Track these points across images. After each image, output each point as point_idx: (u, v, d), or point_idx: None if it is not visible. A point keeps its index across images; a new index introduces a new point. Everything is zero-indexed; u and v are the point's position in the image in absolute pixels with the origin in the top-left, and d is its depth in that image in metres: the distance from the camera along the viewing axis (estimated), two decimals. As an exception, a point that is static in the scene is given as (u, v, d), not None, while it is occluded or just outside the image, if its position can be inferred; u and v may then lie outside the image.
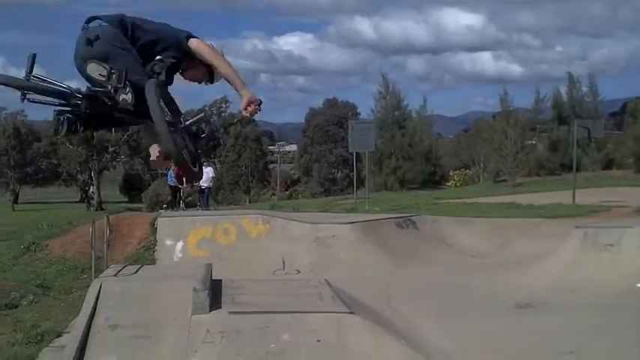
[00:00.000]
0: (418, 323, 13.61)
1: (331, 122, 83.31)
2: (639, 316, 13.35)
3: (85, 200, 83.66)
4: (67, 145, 79.55)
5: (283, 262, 19.47)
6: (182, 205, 26.57)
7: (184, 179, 27.17)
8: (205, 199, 26.70)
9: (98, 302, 11.31)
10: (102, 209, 64.82)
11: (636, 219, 21.25)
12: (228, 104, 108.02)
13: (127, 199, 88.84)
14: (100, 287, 11.58)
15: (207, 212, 23.98)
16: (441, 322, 13.70)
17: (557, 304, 14.72)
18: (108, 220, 17.87)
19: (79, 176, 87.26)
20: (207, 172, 26.66)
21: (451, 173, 58.57)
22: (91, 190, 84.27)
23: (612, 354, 11.16)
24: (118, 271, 13.00)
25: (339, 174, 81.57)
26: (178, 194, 26.66)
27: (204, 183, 26.05)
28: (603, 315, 13.63)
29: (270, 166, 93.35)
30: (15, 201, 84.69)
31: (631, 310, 13.77)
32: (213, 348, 10.66)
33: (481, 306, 15.11)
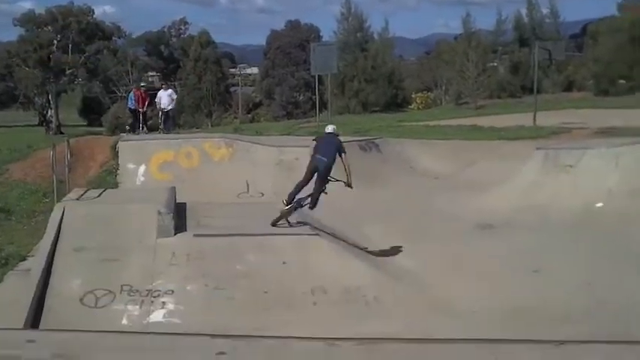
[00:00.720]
0: (382, 244, 13.75)
1: (293, 44, 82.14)
2: (598, 235, 13.68)
3: (44, 124, 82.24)
4: (23, 67, 77.77)
5: (247, 186, 19.39)
6: (144, 128, 26.17)
7: (145, 102, 26.79)
8: (171, 122, 26.28)
9: (62, 226, 11.25)
10: (61, 133, 63.81)
11: (596, 140, 21.52)
12: (187, 25, 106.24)
13: (86, 123, 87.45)
14: (64, 211, 11.50)
15: (169, 136, 23.64)
16: (405, 242, 13.86)
17: (518, 224, 14.96)
18: (68, 143, 17.55)
19: (37, 99, 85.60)
20: (169, 94, 26.23)
21: (413, 96, 58.40)
22: (49, 113, 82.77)
23: (573, 271, 11.43)
24: (81, 195, 12.90)
25: (302, 97, 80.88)
26: (140, 117, 26.22)
27: (166, 106, 25.62)
28: (564, 234, 13.93)
29: (232, 89, 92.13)
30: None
31: (590, 229, 14.09)
32: (179, 270, 10.71)
33: (444, 227, 15.28)
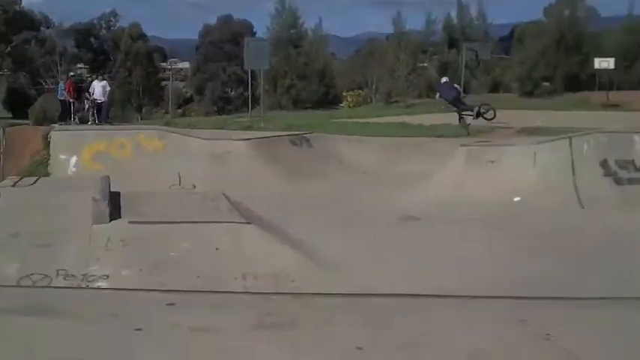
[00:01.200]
0: (309, 234, 14.23)
1: (225, 39, 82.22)
2: (513, 226, 14.50)
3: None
4: (-53, 57, 76.07)
5: (179, 177, 19.67)
6: (75, 119, 26.13)
7: (74, 93, 26.77)
8: (104, 114, 26.30)
9: (-3, 212, 11.41)
10: (-15, 124, 62.58)
11: (517, 138, 22.54)
12: (117, 17, 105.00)
13: (11, 115, 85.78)
14: (-1, 198, 11.66)
15: (101, 127, 23.77)
16: (332, 234, 14.38)
17: (441, 216, 15.67)
18: (4, 132, 17.60)
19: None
20: (103, 85, 26.29)
21: (344, 94, 59.20)
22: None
23: (489, 259, 12.12)
24: (16, 182, 13.04)
25: (233, 93, 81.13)
26: (70, 108, 26.18)
27: (100, 97, 25.66)
28: (483, 226, 14.68)
29: (163, 83, 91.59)
30: None
31: (507, 221, 14.90)
32: (114, 255, 10.97)
33: (370, 219, 15.88)
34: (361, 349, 5.57)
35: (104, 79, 27.40)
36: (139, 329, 5.94)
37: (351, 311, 7.31)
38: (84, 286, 10.28)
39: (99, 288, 10.16)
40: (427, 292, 10.44)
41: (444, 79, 30.29)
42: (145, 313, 6.71)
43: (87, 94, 26.88)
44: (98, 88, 25.86)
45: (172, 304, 6.77)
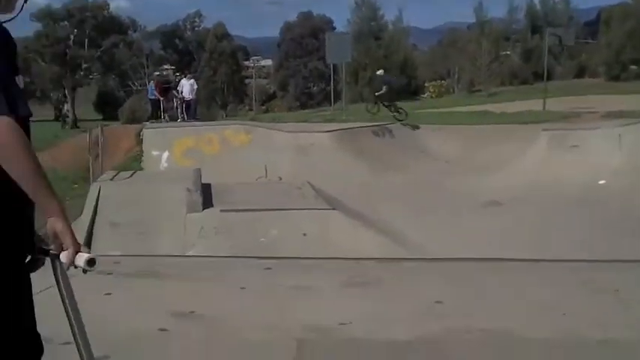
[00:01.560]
0: (394, 222, 14.57)
1: (306, 35, 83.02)
2: (598, 209, 14.48)
3: (60, 118, 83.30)
4: (40, 62, 78.92)
5: (265, 170, 20.22)
6: (166, 117, 27.08)
7: (162, 92, 27.78)
8: (193, 111, 27.13)
9: (98, 203, 12.18)
10: (77, 127, 64.83)
11: (602, 122, 22.24)
12: (201, 18, 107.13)
13: (101, 117, 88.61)
14: (99, 190, 12.43)
15: (190, 123, 24.59)
16: (415, 220, 14.68)
17: (524, 200, 15.77)
18: (102, 130, 18.55)
19: (53, 94, 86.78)
20: (191, 84, 27.16)
21: (427, 84, 59.03)
22: (65, 108, 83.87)
23: (575, 245, 12.18)
24: (114, 176, 13.83)
25: (315, 88, 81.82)
26: (161, 107, 27.15)
27: (188, 95, 26.51)
28: (568, 210, 14.72)
29: (246, 81, 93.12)
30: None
31: (592, 204, 14.89)
32: (208, 242, 11.61)
33: (453, 205, 16.10)
34: (440, 302, 5.91)
35: (192, 78, 28.25)
36: (243, 288, 6.45)
37: (431, 272, 7.65)
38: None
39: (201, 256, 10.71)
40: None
41: (379, 72, 30.53)
42: (247, 275, 7.24)
43: (175, 93, 27.76)
44: (187, 87, 26.69)
45: (269, 269, 7.33)
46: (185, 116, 26.77)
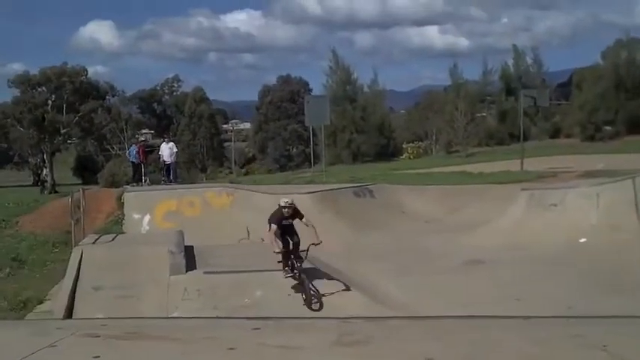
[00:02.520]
0: (377, 281, 14.59)
1: (285, 98, 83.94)
2: (579, 267, 14.59)
3: (39, 183, 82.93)
4: (18, 127, 78.77)
5: (248, 232, 20.20)
6: (147, 181, 27.07)
7: (144, 156, 27.84)
8: (173, 174, 27.13)
9: (81, 267, 12.11)
10: (56, 192, 64.48)
11: (579, 181, 22.51)
12: (180, 83, 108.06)
13: (80, 182, 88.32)
14: (82, 253, 12.37)
15: (171, 186, 24.61)
16: (398, 279, 14.71)
17: (505, 259, 15.86)
18: (83, 193, 18.52)
19: (31, 159, 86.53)
20: (170, 147, 27.25)
21: (404, 146, 59.62)
22: (44, 172, 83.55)
23: (553, 299, 12.27)
24: (96, 240, 13.77)
25: (294, 150, 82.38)
26: (140, 170, 27.16)
27: (167, 158, 26.58)
28: (547, 267, 14.82)
29: (225, 144, 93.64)
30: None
31: (573, 262, 15.00)
32: (191, 304, 11.55)
33: (434, 264, 16.16)
34: (431, 359, 5.90)
35: (171, 141, 28.36)
36: (233, 348, 6.41)
37: (419, 329, 7.67)
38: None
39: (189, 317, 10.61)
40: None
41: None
42: (236, 336, 7.20)
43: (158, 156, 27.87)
44: (166, 150, 26.77)
45: (258, 329, 7.31)
46: (165, 180, 26.80)
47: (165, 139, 29.40)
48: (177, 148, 28.38)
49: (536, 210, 18.20)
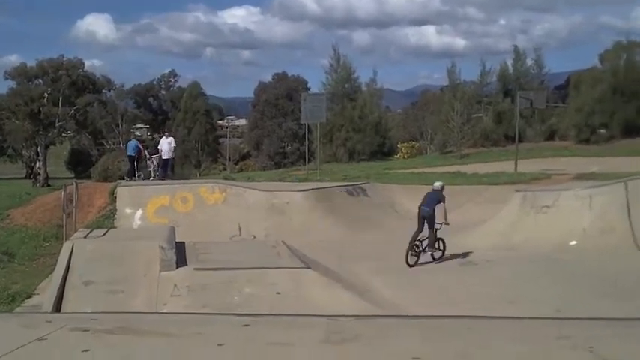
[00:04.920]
0: (368, 279, 14.59)
1: (281, 95, 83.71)
2: (570, 269, 14.61)
3: (31, 177, 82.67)
4: (13, 120, 78.48)
5: (239, 228, 20.22)
6: (142, 176, 26.96)
7: (145, 152, 27.84)
8: (171, 169, 27.03)
9: (71, 261, 12.06)
10: (48, 185, 64.29)
11: (572, 184, 22.52)
12: (176, 78, 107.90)
13: (73, 175, 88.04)
14: (72, 247, 12.31)
15: (165, 182, 24.52)
16: (390, 278, 14.71)
17: (497, 260, 15.89)
18: (76, 186, 18.46)
19: (25, 152, 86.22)
20: (169, 142, 27.21)
21: (399, 145, 59.53)
22: (37, 165, 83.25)
23: (543, 301, 12.27)
24: (87, 234, 13.72)
25: (289, 148, 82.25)
26: (136, 165, 27.05)
27: (166, 154, 26.52)
28: (539, 269, 14.84)
29: (220, 140, 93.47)
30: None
31: (563, 264, 15.02)
32: (181, 300, 11.51)
33: (427, 264, 16.16)
34: (419, 358, 5.89)
35: (171, 136, 28.28)
36: (222, 344, 6.40)
37: (408, 329, 7.65)
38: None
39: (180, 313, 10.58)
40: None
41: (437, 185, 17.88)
42: (226, 332, 7.20)
43: (146, 153, 27.75)
44: (165, 145, 26.67)
45: (247, 325, 7.30)
46: (162, 174, 26.73)
47: (165, 134, 29.40)
48: (175, 143, 28.33)
49: (529, 212, 18.23)
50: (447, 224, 16.55)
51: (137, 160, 27.35)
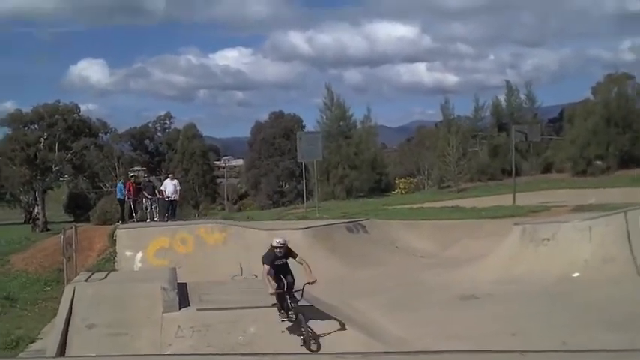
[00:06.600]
0: (373, 316, 14.55)
1: (277, 135, 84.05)
2: (574, 300, 14.56)
3: (30, 221, 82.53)
4: (10, 166, 78.55)
5: (241, 268, 20.16)
6: (135, 217, 27.00)
7: (135, 193, 27.82)
8: (173, 212, 27.13)
9: (73, 305, 12.03)
10: (47, 230, 64.19)
11: (571, 215, 22.54)
12: (172, 120, 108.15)
13: (72, 219, 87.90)
14: (74, 291, 12.30)
15: (163, 223, 24.58)
16: (394, 314, 14.67)
17: (499, 294, 15.82)
18: (75, 230, 18.45)
19: (23, 197, 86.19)
20: (175, 184, 27.40)
21: (397, 181, 59.62)
22: (35, 210, 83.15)
23: (548, 334, 12.24)
24: (88, 277, 13.70)
25: (287, 186, 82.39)
26: (130, 207, 27.08)
27: (171, 195, 26.63)
28: (540, 301, 14.80)
29: (218, 180, 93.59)
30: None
31: (567, 296, 14.98)
32: (185, 341, 11.47)
33: (429, 299, 16.12)
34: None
35: (175, 179, 28.48)
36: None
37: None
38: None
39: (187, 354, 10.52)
40: None
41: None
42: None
43: (144, 194, 27.83)
44: (170, 187, 26.87)
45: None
46: (167, 216, 26.83)
47: (170, 176, 29.69)
48: (179, 185, 28.56)
49: (529, 244, 18.20)
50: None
51: (134, 202, 27.37)
